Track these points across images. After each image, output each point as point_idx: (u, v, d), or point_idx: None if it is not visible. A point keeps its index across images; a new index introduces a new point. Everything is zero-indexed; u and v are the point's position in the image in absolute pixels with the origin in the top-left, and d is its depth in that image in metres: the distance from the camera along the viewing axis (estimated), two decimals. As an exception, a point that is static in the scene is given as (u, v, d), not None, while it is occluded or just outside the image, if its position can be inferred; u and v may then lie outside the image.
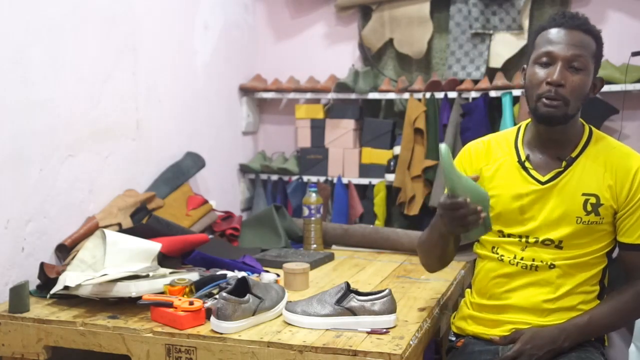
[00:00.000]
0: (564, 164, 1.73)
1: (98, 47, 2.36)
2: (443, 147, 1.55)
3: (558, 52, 1.66)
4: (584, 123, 1.79)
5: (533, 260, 1.73)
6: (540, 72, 1.68)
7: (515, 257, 1.75)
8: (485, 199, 1.63)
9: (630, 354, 2.50)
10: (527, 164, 1.76)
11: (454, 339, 1.91)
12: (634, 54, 2.91)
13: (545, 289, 1.72)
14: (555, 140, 1.75)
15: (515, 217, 1.76)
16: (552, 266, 1.72)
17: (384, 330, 1.67)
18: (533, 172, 1.75)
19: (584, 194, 1.70)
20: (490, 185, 1.79)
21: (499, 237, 1.79)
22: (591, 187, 1.70)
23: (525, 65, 1.76)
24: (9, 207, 1.99)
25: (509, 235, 1.77)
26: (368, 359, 1.54)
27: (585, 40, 1.67)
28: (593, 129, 1.79)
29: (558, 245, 1.72)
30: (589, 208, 1.69)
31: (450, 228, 1.63)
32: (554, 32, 1.68)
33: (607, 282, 1.80)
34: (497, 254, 1.79)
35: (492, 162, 1.82)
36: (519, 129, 1.85)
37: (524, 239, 1.75)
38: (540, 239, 1.73)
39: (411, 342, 1.62)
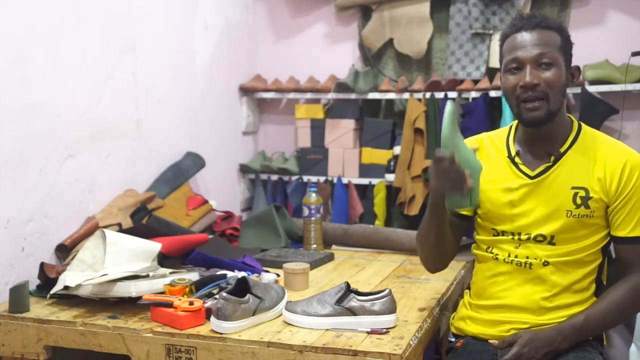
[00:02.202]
0: (552, 158, 1.75)
1: (98, 47, 2.36)
2: (449, 103, 1.61)
3: (524, 56, 1.69)
4: (573, 119, 1.81)
5: (527, 257, 1.74)
6: (512, 79, 1.72)
7: (509, 255, 1.77)
8: (476, 168, 1.66)
9: (631, 354, 2.49)
10: (517, 159, 1.79)
11: (453, 339, 1.91)
12: (634, 54, 2.91)
13: (541, 286, 1.73)
14: (544, 137, 1.76)
15: (506, 212, 1.77)
16: (545, 263, 1.72)
17: (384, 330, 1.67)
18: (522, 167, 1.78)
19: (573, 188, 1.72)
20: (482, 181, 1.81)
21: (493, 235, 1.80)
22: (580, 181, 1.72)
23: (500, 74, 1.80)
24: (9, 207, 1.99)
25: (502, 233, 1.78)
26: (368, 359, 1.54)
27: (548, 37, 1.70)
28: (582, 124, 1.81)
29: (550, 241, 1.73)
30: (579, 201, 1.70)
31: (433, 183, 1.68)
32: (517, 37, 1.72)
33: (605, 279, 1.80)
34: (492, 253, 1.80)
35: (485, 159, 1.84)
36: (511, 127, 1.87)
37: (516, 237, 1.76)
38: (532, 234, 1.74)
39: (411, 342, 1.62)
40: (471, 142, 1.89)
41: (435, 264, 1.91)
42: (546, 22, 1.72)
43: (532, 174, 1.76)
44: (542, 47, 1.69)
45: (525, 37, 1.71)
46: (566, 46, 1.73)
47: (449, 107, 1.62)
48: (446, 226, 1.81)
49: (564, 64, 1.72)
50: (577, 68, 1.77)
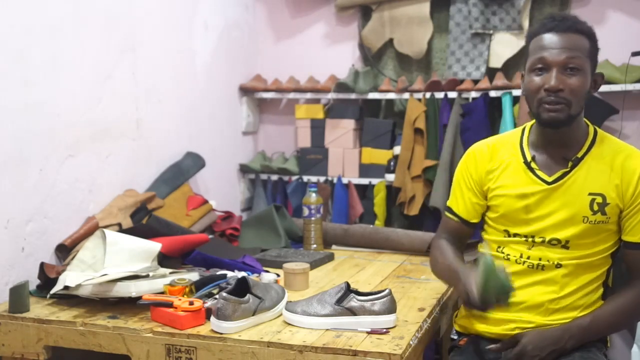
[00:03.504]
0: (570, 164, 1.73)
1: (98, 47, 2.36)
2: (489, 257, 1.54)
3: (552, 58, 1.66)
4: (589, 123, 1.79)
5: (540, 259, 1.73)
6: (537, 80, 1.68)
7: (521, 256, 1.76)
8: (508, 292, 1.55)
9: (633, 356, 2.49)
10: (533, 165, 1.76)
11: (456, 337, 1.91)
12: (634, 54, 2.91)
13: (550, 287, 1.73)
14: (561, 141, 1.74)
15: (520, 217, 1.76)
16: (558, 265, 1.72)
17: (384, 330, 1.67)
18: (539, 173, 1.75)
19: (590, 194, 1.70)
20: (496, 185, 1.80)
21: (505, 237, 1.79)
22: (597, 187, 1.70)
23: (523, 72, 1.77)
24: (9, 207, 1.99)
25: (515, 235, 1.77)
26: (368, 359, 1.54)
27: (578, 41, 1.67)
28: (597, 129, 1.79)
29: (565, 245, 1.72)
30: (596, 207, 1.69)
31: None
32: (546, 38, 1.68)
33: (611, 283, 1.81)
34: (503, 253, 1.79)
35: (498, 164, 1.82)
36: (523, 130, 1.85)
37: (530, 239, 1.75)
38: (547, 238, 1.73)
39: (411, 342, 1.62)
40: (482, 148, 1.87)
41: None
42: (577, 26, 1.68)
43: (549, 179, 1.74)
44: (571, 52, 1.65)
45: (555, 38, 1.67)
46: (593, 52, 1.71)
47: (489, 259, 1.53)
48: None
49: (590, 70, 1.69)
50: (601, 75, 1.74)
